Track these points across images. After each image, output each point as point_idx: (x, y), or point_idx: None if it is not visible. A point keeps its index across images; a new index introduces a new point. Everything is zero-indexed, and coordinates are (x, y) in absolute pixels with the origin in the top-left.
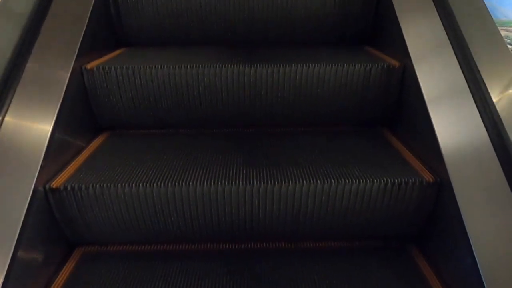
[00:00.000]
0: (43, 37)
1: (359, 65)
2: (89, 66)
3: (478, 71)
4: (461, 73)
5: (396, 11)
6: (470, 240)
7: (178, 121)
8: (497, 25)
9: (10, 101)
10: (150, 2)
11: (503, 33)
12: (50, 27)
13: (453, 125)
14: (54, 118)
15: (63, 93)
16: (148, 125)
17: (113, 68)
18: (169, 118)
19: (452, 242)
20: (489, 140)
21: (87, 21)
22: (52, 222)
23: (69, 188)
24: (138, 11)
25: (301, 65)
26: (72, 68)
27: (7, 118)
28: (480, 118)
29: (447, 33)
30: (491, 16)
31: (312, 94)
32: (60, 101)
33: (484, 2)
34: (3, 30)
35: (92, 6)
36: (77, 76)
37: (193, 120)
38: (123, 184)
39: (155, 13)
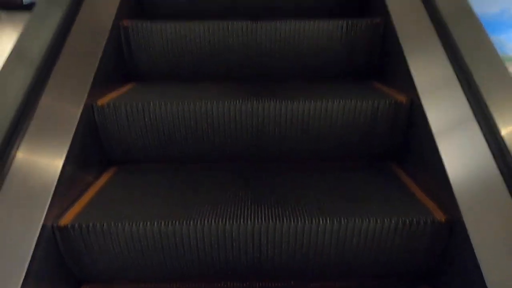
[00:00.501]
0: (57, 74)
1: (366, 101)
2: (100, 102)
3: (486, 105)
4: (469, 107)
5: (402, 46)
6: (487, 284)
7: (186, 156)
8: (506, 60)
9: (23, 137)
10: (160, 39)
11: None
12: (64, 64)
13: (463, 159)
14: (65, 155)
15: (74, 129)
16: (157, 160)
17: (123, 104)
18: (178, 153)
19: (468, 285)
20: (500, 175)
21: (99, 58)
22: (59, 259)
23: (76, 226)
24: (149, 48)
25: (309, 101)
26: (84, 104)
27: (19, 153)
28: (489, 152)
29: (453, 67)
30: (495, 49)
31: (320, 130)
32: (71, 138)
33: (488, 36)
34: (20, 68)
35: (105, 43)
36: (88, 112)
37: (201, 155)
38: (130, 222)
39: (165, 49)
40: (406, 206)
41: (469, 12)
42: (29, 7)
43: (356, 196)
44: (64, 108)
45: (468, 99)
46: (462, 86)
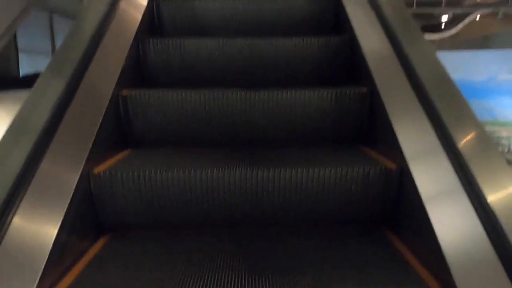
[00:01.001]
0: (57, 143)
1: (357, 168)
2: (96, 170)
3: (471, 174)
4: (455, 175)
5: (389, 114)
6: None
7: (180, 223)
8: (498, 126)
9: (19, 206)
10: (158, 107)
11: (505, 133)
12: (64, 133)
13: (454, 229)
14: (60, 223)
15: (70, 197)
16: (151, 227)
17: (119, 172)
18: (172, 220)
19: None
20: (489, 241)
21: (98, 126)
22: None
23: None
24: (146, 115)
25: (301, 169)
26: (81, 172)
27: (15, 220)
28: (478, 220)
29: (437, 136)
30: (474, 113)
31: (313, 196)
32: (67, 205)
33: (468, 104)
34: (20, 137)
35: (104, 112)
36: (85, 180)
37: (196, 221)
38: None
39: (161, 117)
40: (399, 275)
41: (448, 81)
42: (26, 83)
43: (351, 265)
44: (61, 176)
45: (453, 167)
46: (446, 153)
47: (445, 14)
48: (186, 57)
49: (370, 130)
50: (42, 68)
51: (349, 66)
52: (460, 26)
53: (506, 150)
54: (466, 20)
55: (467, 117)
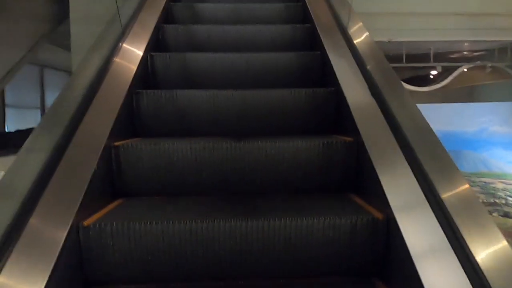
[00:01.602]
0: (47, 196)
1: (345, 218)
2: (85, 223)
3: (456, 227)
4: (440, 228)
5: (374, 165)
6: None
7: (169, 275)
8: (493, 177)
9: (7, 260)
10: (149, 157)
11: (501, 185)
12: (55, 186)
13: (441, 281)
14: (47, 279)
15: (58, 252)
16: (139, 280)
17: (108, 224)
18: (160, 273)
19: None
20: None
21: (89, 178)
22: None
23: None
24: (137, 165)
25: (290, 219)
26: (71, 225)
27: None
28: (464, 275)
29: (420, 185)
30: (453, 162)
31: (302, 246)
32: (55, 261)
33: (448, 154)
34: (11, 192)
35: (96, 163)
36: (74, 232)
37: (186, 274)
38: None
39: (152, 167)
40: None
41: (429, 132)
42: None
43: None
44: (50, 230)
45: (436, 217)
46: (430, 205)
47: (434, 70)
48: (179, 108)
49: (358, 179)
50: (29, 123)
51: (335, 116)
52: (449, 79)
53: (503, 202)
54: (455, 73)
55: (448, 167)
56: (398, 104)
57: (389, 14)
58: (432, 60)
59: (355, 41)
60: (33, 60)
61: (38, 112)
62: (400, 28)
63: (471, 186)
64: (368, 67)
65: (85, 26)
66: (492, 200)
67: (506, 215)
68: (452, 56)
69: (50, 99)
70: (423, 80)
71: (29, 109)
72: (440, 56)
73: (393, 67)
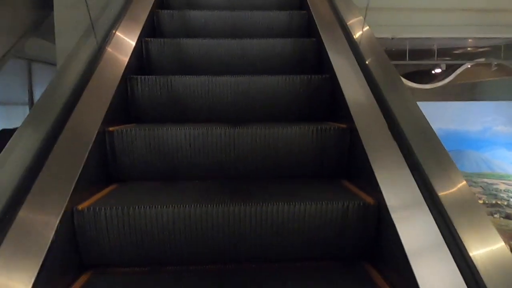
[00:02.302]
0: (42, 179)
1: (336, 203)
2: (80, 207)
3: (449, 218)
4: (430, 213)
5: (367, 152)
6: None
7: (162, 259)
8: (496, 178)
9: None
10: (143, 143)
11: (503, 186)
12: (49, 171)
13: (432, 270)
14: (41, 261)
15: (52, 236)
16: (133, 263)
17: (103, 208)
18: (154, 257)
19: None
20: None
21: (83, 163)
22: None
23: None
24: (132, 150)
25: (282, 203)
26: (65, 209)
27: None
28: (454, 261)
29: (412, 174)
30: (449, 156)
31: (294, 231)
32: (48, 245)
33: (441, 143)
34: (4, 175)
35: (90, 148)
36: (68, 217)
37: (178, 257)
38: None
39: (147, 152)
40: None
41: (423, 121)
42: None
43: None
44: (44, 214)
45: (428, 206)
46: (421, 192)
47: (438, 68)
48: (173, 94)
49: (351, 165)
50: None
51: (329, 103)
52: (452, 76)
53: (505, 203)
54: (459, 70)
55: (441, 155)
56: (393, 92)
57: (393, 10)
58: (436, 57)
59: (351, 30)
60: (20, 54)
61: (26, 108)
62: (404, 24)
63: (473, 186)
64: (364, 55)
65: (70, 14)
66: (494, 202)
67: (508, 216)
68: (455, 51)
69: (38, 94)
70: (425, 75)
71: (16, 106)
72: (443, 52)
73: (396, 64)
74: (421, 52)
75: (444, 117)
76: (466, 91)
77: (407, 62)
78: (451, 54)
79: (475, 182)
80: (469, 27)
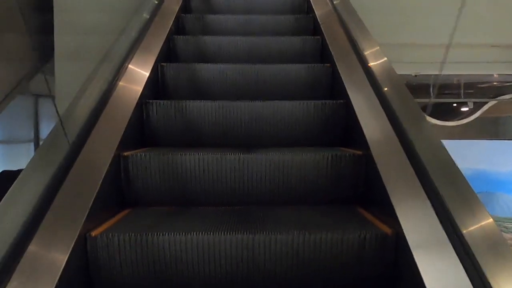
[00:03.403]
0: (57, 204)
1: (353, 233)
2: (93, 233)
3: (467, 244)
4: (450, 242)
5: (384, 181)
6: None
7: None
8: None
9: (14, 270)
10: (157, 168)
11: None
12: (64, 195)
13: None
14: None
15: (64, 262)
16: None
17: (116, 235)
18: (167, 285)
19: None
20: None
21: (98, 188)
22: None
23: None
24: (145, 175)
25: (297, 232)
26: (78, 235)
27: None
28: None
29: (431, 203)
30: (469, 185)
31: (309, 260)
32: (60, 271)
33: (465, 178)
34: (20, 202)
35: (104, 174)
36: (81, 242)
37: (192, 286)
38: None
39: (161, 178)
40: None
41: (443, 151)
42: None
43: None
44: (57, 239)
45: (447, 234)
46: (441, 222)
47: (465, 106)
48: (188, 119)
49: (366, 192)
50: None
51: (344, 129)
52: (479, 112)
53: None
54: (486, 106)
55: (461, 185)
56: (410, 119)
57: (416, 46)
58: (462, 93)
59: (366, 56)
60: (26, 90)
61: (31, 146)
62: (428, 61)
63: (504, 232)
64: (379, 81)
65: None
66: None
67: None
68: (480, 85)
69: (45, 131)
70: (447, 111)
71: (20, 144)
72: (467, 85)
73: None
74: (444, 86)
75: (471, 156)
76: (489, 128)
77: (432, 100)
78: (476, 87)
79: (506, 228)
80: (498, 64)
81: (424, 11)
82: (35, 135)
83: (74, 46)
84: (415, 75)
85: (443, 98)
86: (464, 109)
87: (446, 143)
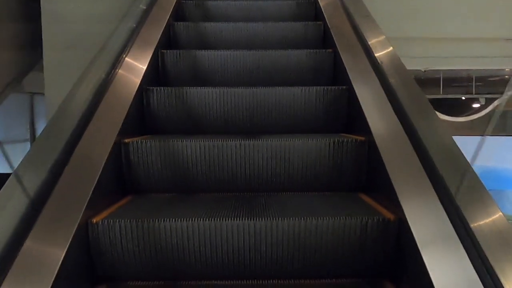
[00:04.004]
0: (57, 191)
1: (355, 218)
2: (94, 220)
3: (473, 234)
4: (454, 229)
5: (386, 165)
6: None
7: (177, 273)
8: None
9: (16, 257)
10: (158, 155)
11: None
12: (65, 182)
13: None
14: (55, 274)
15: (66, 248)
16: (147, 277)
17: (117, 221)
18: (169, 271)
19: None
20: None
21: (98, 175)
22: None
23: None
24: (147, 162)
25: (299, 218)
26: (79, 222)
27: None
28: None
29: (434, 189)
30: (474, 172)
31: (311, 246)
32: (62, 258)
33: (469, 164)
34: (22, 185)
35: (105, 160)
36: (83, 229)
37: (193, 272)
38: None
39: (162, 165)
40: None
41: (447, 137)
42: None
43: None
44: (59, 226)
45: (451, 222)
46: (444, 208)
47: (477, 102)
48: (189, 105)
49: (369, 178)
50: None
51: (346, 115)
52: (490, 107)
53: None
54: (497, 102)
55: (465, 171)
56: (413, 104)
57: (426, 40)
58: (474, 88)
59: (368, 41)
60: (20, 89)
61: (27, 145)
62: (438, 56)
63: None
64: (382, 66)
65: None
66: None
67: None
68: (492, 79)
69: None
70: (454, 105)
71: (17, 143)
72: (478, 79)
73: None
74: (453, 79)
75: (481, 152)
76: (498, 123)
77: (442, 96)
78: (487, 81)
79: None
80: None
81: (433, 3)
82: (31, 134)
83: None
84: (424, 70)
85: (453, 91)
86: (475, 105)
87: (455, 138)
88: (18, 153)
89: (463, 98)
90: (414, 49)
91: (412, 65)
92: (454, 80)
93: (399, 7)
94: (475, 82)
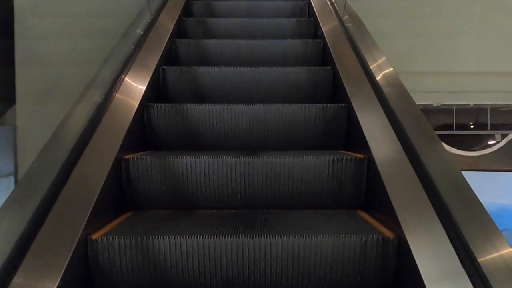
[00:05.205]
0: (58, 207)
1: (355, 236)
2: (94, 236)
3: (472, 254)
4: (454, 250)
5: (384, 183)
6: None
7: None
8: None
9: (15, 273)
10: (158, 171)
11: None
12: (65, 198)
13: None
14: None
15: (65, 265)
16: None
17: (116, 238)
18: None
19: None
20: None
21: (99, 191)
22: None
23: None
24: (147, 178)
25: (298, 236)
26: (79, 238)
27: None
28: None
29: (434, 207)
30: (470, 188)
31: (311, 264)
32: (61, 274)
33: (467, 183)
34: (22, 201)
35: (105, 176)
36: (82, 246)
37: None
38: None
39: (162, 181)
40: None
41: (446, 155)
42: None
43: None
44: (58, 242)
45: (451, 241)
46: (444, 226)
47: (492, 139)
48: (189, 122)
49: (368, 196)
50: None
51: (345, 132)
52: (504, 141)
53: None
54: (510, 136)
55: (464, 188)
56: (411, 121)
57: (438, 74)
58: (489, 125)
59: (367, 59)
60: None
61: (11, 180)
62: (451, 91)
63: None
64: (381, 84)
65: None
66: None
67: None
68: (504, 108)
69: (27, 164)
70: (466, 137)
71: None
72: (493, 111)
73: (440, 135)
74: (464, 111)
75: (495, 189)
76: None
77: (455, 132)
78: (499, 112)
79: None
80: None
81: (446, 37)
82: (15, 168)
83: None
84: (437, 106)
85: (464, 119)
86: (491, 142)
87: (465, 174)
88: (1, 189)
89: (478, 133)
90: (426, 83)
91: (424, 99)
92: (463, 112)
93: (412, 42)
94: (491, 114)
